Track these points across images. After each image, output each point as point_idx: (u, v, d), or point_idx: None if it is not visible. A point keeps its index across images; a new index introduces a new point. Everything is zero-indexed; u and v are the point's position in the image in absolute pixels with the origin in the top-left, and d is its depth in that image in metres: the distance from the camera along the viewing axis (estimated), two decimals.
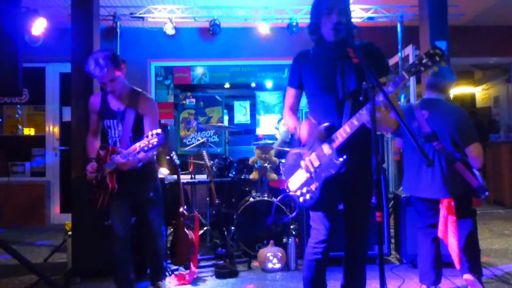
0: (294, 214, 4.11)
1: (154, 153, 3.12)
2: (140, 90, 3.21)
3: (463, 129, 2.95)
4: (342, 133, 2.20)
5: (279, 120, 5.92)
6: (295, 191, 2.42)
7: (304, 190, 2.36)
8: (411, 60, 5.69)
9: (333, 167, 2.23)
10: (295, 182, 2.42)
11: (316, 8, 2.34)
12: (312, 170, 2.31)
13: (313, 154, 2.32)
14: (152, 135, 2.71)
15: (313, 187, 2.31)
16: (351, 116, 2.20)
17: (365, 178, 2.36)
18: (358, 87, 2.24)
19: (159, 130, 2.73)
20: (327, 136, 2.28)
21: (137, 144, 2.76)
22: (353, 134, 2.18)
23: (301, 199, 2.39)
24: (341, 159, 2.20)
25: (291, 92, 2.55)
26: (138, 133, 3.05)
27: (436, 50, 1.93)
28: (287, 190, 2.49)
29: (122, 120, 3.06)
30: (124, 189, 3.05)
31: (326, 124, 2.29)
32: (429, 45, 2.04)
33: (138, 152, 2.77)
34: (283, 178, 2.56)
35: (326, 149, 2.27)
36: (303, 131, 2.32)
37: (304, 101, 2.50)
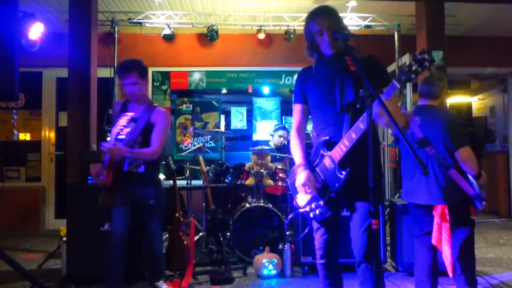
0: (289, 218, 4.10)
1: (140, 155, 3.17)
2: (157, 104, 3.42)
3: (452, 133, 2.93)
4: (342, 147, 2.24)
5: (276, 127, 5.72)
6: (304, 207, 2.47)
7: (313, 205, 2.41)
8: None
9: (337, 180, 2.28)
10: (303, 198, 2.46)
11: (308, 32, 2.43)
12: (317, 186, 2.38)
13: (317, 169, 2.40)
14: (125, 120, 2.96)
15: (321, 202, 2.37)
16: (350, 127, 2.22)
17: (367, 183, 2.35)
18: (356, 98, 2.25)
19: (131, 114, 3.00)
20: (328, 149, 2.33)
21: (114, 130, 2.98)
22: (353, 146, 2.19)
23: (311, 214, 2.44)
24: (344, 173, 2.24)
25: (297, 107, 2.59)
26: (146, 139, 3.18)
27: (424, 55, 1.91)
28: (296, 206, 2.54)
29: (134, 122, 3.17)
30: (125, 194, 3.12)
31: (326, 137, 2.36)
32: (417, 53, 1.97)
33: (116, 138, 2.98)
34: (291, 193, 2.60)
35: (328, 163, 2.33)
36: (300, 181, 2.37)
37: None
